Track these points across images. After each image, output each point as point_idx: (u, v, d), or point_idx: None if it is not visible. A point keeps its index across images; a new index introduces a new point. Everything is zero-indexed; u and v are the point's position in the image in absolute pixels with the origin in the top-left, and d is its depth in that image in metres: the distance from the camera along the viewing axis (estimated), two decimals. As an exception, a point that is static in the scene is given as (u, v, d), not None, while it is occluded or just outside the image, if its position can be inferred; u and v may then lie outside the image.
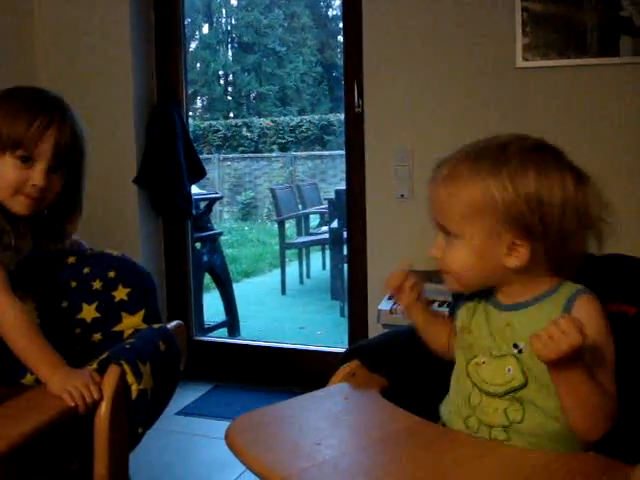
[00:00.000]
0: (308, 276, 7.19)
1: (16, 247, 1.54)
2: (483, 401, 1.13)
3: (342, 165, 3.17)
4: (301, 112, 15.84)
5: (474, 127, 2.78)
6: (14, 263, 1.55)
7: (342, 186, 3.49)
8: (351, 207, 3.15)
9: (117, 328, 1.60)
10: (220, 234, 4.83)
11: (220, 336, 4.35)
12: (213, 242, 4.54)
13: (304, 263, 7.12)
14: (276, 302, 6.37)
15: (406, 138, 2.94)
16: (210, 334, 4.23)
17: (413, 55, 2.89)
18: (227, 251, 5.68)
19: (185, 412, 3.08)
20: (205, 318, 4.29)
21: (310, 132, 13.70)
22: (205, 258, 4.39)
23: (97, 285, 1.60)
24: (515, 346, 1.10)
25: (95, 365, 1.38)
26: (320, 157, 12.56)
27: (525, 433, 1.09)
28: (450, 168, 1.11)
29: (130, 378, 1.36)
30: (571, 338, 0.95)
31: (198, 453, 2.74)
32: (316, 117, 14.22)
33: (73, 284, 1.61)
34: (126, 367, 1.36)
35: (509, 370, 1.10)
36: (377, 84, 2.97)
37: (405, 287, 1.25)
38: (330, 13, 18.52)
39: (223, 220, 11.75)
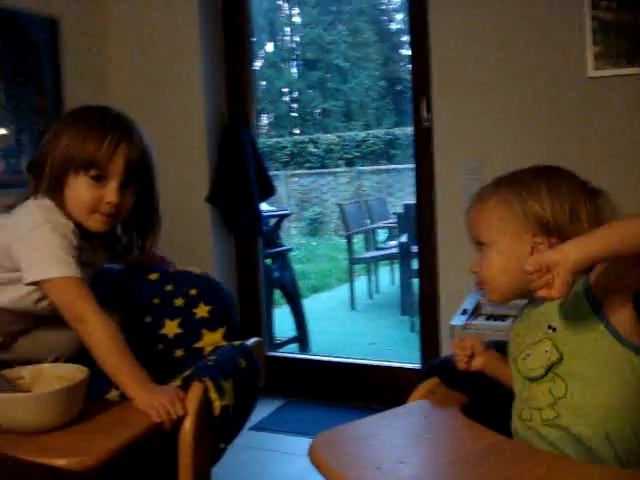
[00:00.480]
0: (377, 291, 7.17)
1: (92, 263, 1.59)
2: (532, 390, 1.20)
3: (409, 179, 3.18)
4: (366, 127, 15.88)
5: (544, 138, 2.75)
6: (92, 277, 1.61)
7: (409, 200, 3.50)
8: (421, 221, 3.14)
9: (198, 345, 1.64)
10: (290, 250, 4.88)
11: (291, 352, 4.38)
12: (283, 258, 4.59)
13: (373, 278, 7.10)
14: (345, 317, 6.37)
15: (476, 151, 2.92)
16: (281, 349, 4.26)
17: (481, 67, 2.88)
18: (296, 267, 5.72)
19: (258, 427, 3.10)
20: (276, 334, 4.33)
21: (376, 146, 13.71)
22: (276, 274, 4.44)
23: (179, 302, 1.65)
24: (549, 327, 1.19)
25: (179, 382, 1.42)
26: (386, 171, 12.56)
27: (571, 406, 1.15)
28: (479, 194, 1.31)
29: (213, 394, 1.39)
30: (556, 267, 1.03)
31: (271, 468, 2.76)
32: (381, 131, 14.24)
33: (156, 301, 1.66)
34: (209, 384, 1.39)
35: (546, 350, 1.18)
36: (445, 98, 2.96)
37: (476, 352, 1.37)
38: (393, 27, 18.55)
39: (291, 236, 11.84)
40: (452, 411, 1.24)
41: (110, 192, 1.53)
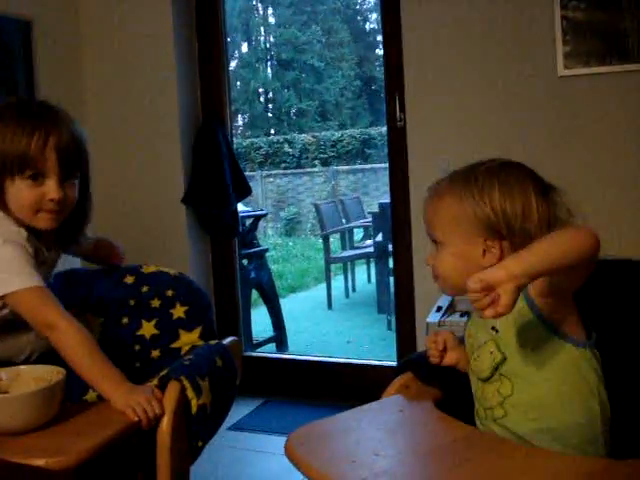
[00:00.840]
0: (354, 290, 7.20)
1: (47, 261, 1.58)
2: (484, 390, 1.24)
3: (384, 178, 3.21)
4: (341, 126, 15.91)
5: (518, 137, 2.79)
6: (51, 276, 1.60)
7: (385, 199, 3.51)
8: (395, 220, 3.17)
9: (175, 345, 1.65)
10: (266, 250, 4.89)
11: (269, 351, 4.39)
12: (260, 258, 4.60)
13: (349, 277, 7.13)
14: (322, 316, 6.39)
15: (448, 150, 2.94)
16: (259, 349, 4.27)
17: (453, 67, 2.91)
18: (272, 267, 5.73)
19: (237, 427, 3.11)
20: (254, 334, 4.34)
21: (351, 146, 13.75)
22: (252, 274, 4.45)
23: (155, 303, 1.66)
24: (493, 328, 1.23)
25: (156, 381, 1.43)
26: (362, 171, 12.60)
27: (517, 404, 1.20)
28: (434, 189, 1.32)
29: (190, 393, 1.41)
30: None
31: (250, 467, 2.77)
32: (357, 131, 14.27)
33: (132, 302, 1.67)
34: (186, 383, 1.41)
35: (491, 352, 1.22)
36: (418, 97, 2.99)
37: (449, 346, 1.38)
38: (367, 27, 18.60)
39: (267, 236, 11.84)
40: (426, 405, 1.27)
41: (50, 189, 1.47)
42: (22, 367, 1.45)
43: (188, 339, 1.65)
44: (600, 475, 1.01)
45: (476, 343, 1.27)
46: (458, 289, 1.27)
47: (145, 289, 1.68)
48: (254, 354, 3.88)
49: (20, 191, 1.48)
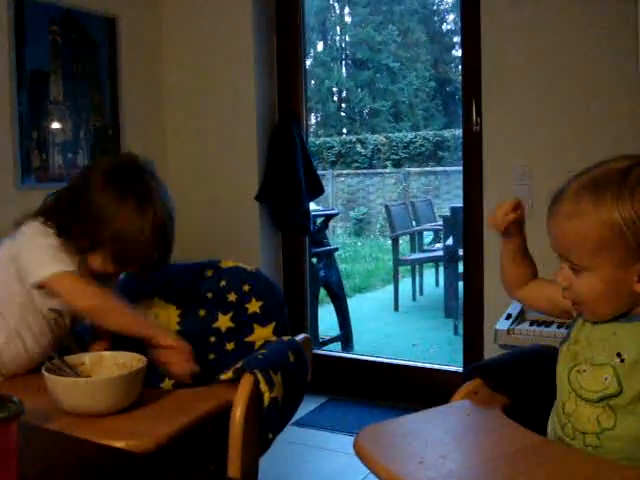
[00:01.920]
0: (421, 293, 7.18)
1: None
2: (578, 408, 1.17)
3: (456, 181, 3.19)
4: (414, 128, 15.81)
5: (596, 144, 2.74)
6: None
7: (456, 203, 3.50)
8: (468, 225, 3.16)
9: (249, 339, 1.69)
10: (336, 250, 4.93)
11: (334, 350, 4.42)
12: (329, 257, 4.64)
13: (417, 280, 7.11)
14: (389, 318, 6.39)
15: (525, 156, 2.92)
16: (324, 347, 4.31)
17: (532, 71, 2.88)
18: (341, 266, 5.76)
19: (300, 423, 3.15)
20: (320, 332, 4.38)
21: (424, 148, 13.66)
22: (321, 273, 4.49)
23: (232, 297, 1.71)
24: (618, 355, 1.12)
25: (231, 373, 1.47)
26: (434, 173, 12.49)
27: (616, 439, 1.12)
28: (573, 203, 1.12)
29: (263, 386, 1.45)
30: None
31: (311, 464, 2.81)
32: (430, 133, 14.16)
33: (209, 295, 1.72)
34: (259, 376, 1.45)
35: (605, 378, 1.12)
36: (496, 102, 2.97)
37: (508, 211, 1.31)
38: (444, 28, 18.43)
39: (337, 235, 11.88)
40: (494, 411, 1.27)
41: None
42: (105, 352, 1.52)
43: (262, 334, 1.69)
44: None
45: (586, 355, 1.17)
46: (604, 315, 1.16)
47: (223, 283, 1.73)
48: (320, 352, 3.91)
49: (106, 263, 1.60)
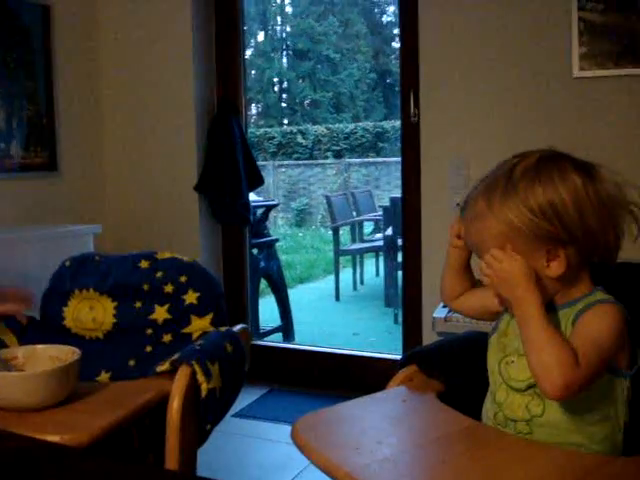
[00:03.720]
0: (362, 283, 7.23)
1: None
2: (509, 397, 1.21)
3: (396, 172, 3.23)
4: (355, 119, 15.87)
5: (530, 136, 2.80)
6: None
7: (396, 193, 3.54)
8: (406, 215, 3.20)
9: (186, 330, 1.69)
10: (276, 240, 4.92)
11: (275, 340, 4.43)
12: (269, 248, 4.63)
13: (358, 270, 7.16)
14: (330, 308, 6.43)
15: (462, 147, 2.97)
16: (265, 338, 4.31)
17: (469, 65, 2.93)
18: (282, 257, 5.76)
19: (241, 414, 3.14)
20: (261, 323, 4.38)
21: (364, 139, 13.73)
22: (262, 264, 4.48)
23: (169, 289, 1.70)
24: None
25: (167, 365, 1.47)
26: (374, 164, 12.58)
27: (546, 426, 1.17)
28: (472, 207, 1.21)
29: (200, 377, 1.44)
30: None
31: (253, 455, 2.81)
32: (370, 124, 14.24)
33: (146, 287, 1.70)
34: (196, 367, 1.44)
35: None
36: (433, 93, 3.01)
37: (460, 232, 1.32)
38: (384, 19, 18.53)
39: (278, 226, 11.86)
40: (428, 397, 1.30)
41: None
42: (38, 346, 1.49)
43: (199, 325, 1.68)
44: (599, 469, 1.04)
45: (514, 346, 1.21)
46: None
47: (159, 274, 1.72)
48: (261, 343, 3.91)
49: None
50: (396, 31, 16.33)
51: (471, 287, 1.37)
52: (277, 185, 12.69)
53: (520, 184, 1.15)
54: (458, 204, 2.96)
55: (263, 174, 3.76)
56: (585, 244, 1.15)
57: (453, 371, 1.41)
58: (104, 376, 1.59)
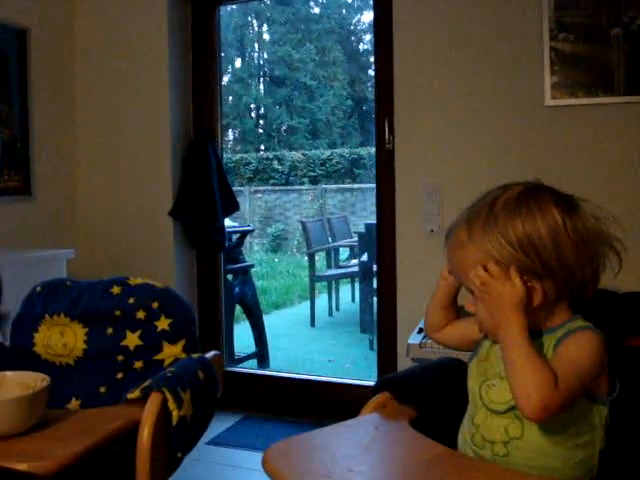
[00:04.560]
0: (337, 309, 7.23)
1: None
2: (487, 419, 1.22)
3: (372, 198, 3.24)
4: (331, 145, 15.97)
5: (503, 164, 2.84)
6: None
7: (372, 219, 3.54)
8: (381, 241, 3.21)
9: (158, 357, 1.67)
10: (251, 266, 4.91)
11: (250, 367, 4.40)
12: (245, 274, 4.62)
13: (333, 296, 7.16)
14: (305, 334, 6.40)
15: (436, 174, 2.99)
16: (240, 365, 4.28)
17: (444, 92, 2.96)
18: (257, 283, 5.75)
19: (215, 442, 3.11)
20: (236, 349, 4.35)
21: (340, 165, 13.81)
22: (237, 290, 4.47)
23: (140, 315, 1.68)
24: None
25: (138, 392, 1.45)
26: (350, 190, 12.65)
27: (523, 449, 1.17)
28: (454, 236, 1.24)
29: (171, 405, 1.43)
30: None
31: (227, 482, 2.78)
32: (346, 150, 14.34)
33: (117, 313, 1.69)
34: (167, 394, 1.43)
35: None
36: (408, 121, 3.04)
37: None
38: (361, 47, 18.74)
39: (253, 252, 11.85)
40: (401, 424, 1.29)
41: None
42: (7, 373, 1.46)
43: (171, 352, 1.67)
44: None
45: (493, 370, 1.23)
46: None
47: (131, 300, 1.70)
48: (235, 369, 3.88)
49: None
50: (372, 59, 16.53)
51: (454, 320, 1.39)
52: (253, 210, 12.70)
53: (500, 216, 1.17)
54: (432, 230, 3.00)
55: (239, 199, 3.76)
56: (562, 278, 1.16)
57: (426, 397, 1.41)
58: (74, 403, 1.57)
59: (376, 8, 3.18)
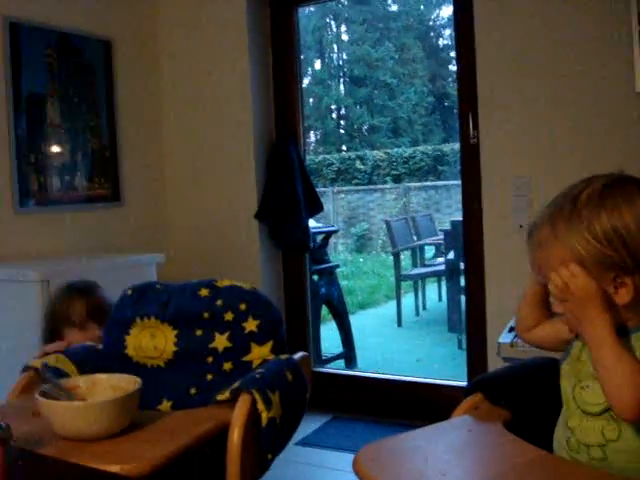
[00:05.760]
0: (424, 308, 7.14)
1: None
2: (583, 422, 1.17)
3: (457, 195, 3.18)
4: (414, 143, 15.84)
5: (593, 155, 2.74)
6: None
7: (457, 217, 3.49)
8: (468, 238, 3.15)
9: (247, 358, 1.68)
10: (337, 266, 4.91)
11: (337, 367, 4.39)
12: (330, 274, 4.62)
13: (420, 295, 7.08)
14: (392, 334, 6.36)
15: (523, 168, 2.91)
16: (328, 365, 4.28)
17: (529, 83, 2.88)
18: (343, 283, 5.74)
19: (304, 442, 3.12)
20: (323, 349, 4.36)
21: (423, 163, 13.68)
22: (323, 290, 4.47)
23: (229, 316, 1.69)
24: None
25: (228, 394, 1.45)
26: (434, 187, 12.51)
27: (622, 451, 1.13)
28: (537, 234, 1.20)
29: (260, 406, 1.43)
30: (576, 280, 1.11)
31: (317, 484, 2.78)
32: (429, 147, 14.19)
33: (206, 315, 1.70)
34: (257, 395, 1.43)
35: None
36: (492, 114, 2.97)
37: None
38: (441, 43, 18.53)
39: (338, 252, 11.87)
40: (495, 426, 1.25)
41: None
42: (99, 375, 1.50)
43: (260, 353, 1.67)
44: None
45: (586, 371, 1.18)
46: None
47: (219, 302, 1.71)
48: (323, 370, 3.89)
49: None
50: (452, 54, 16.30)
51: (546, 319, 1.34)
52: (337, 211, 12.72)
53: (584, 210, 1.14)
54: (521, 226, 2.92)
55: (322, 200, 3.76)
56: None
57: (520, 399, 1.36)
58: (165, 405, 1.59)
59: (456, 2, 3.13)
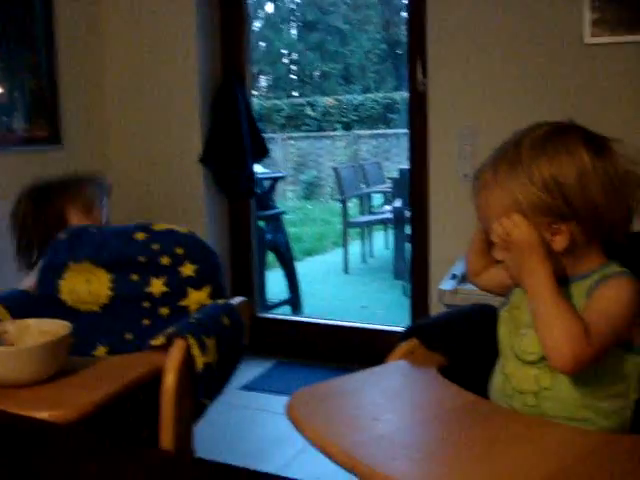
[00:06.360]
0: (371, 255, 7.20)
1: None
2: (519, 369, 1.19)
3: (406, 144, 3.16)
4: (365, 90, 15.74)
5: (540, 105, 2.75)
6: None
7: (406, 165, 3.47)
8: (414, 187, 3.15)
9: (183, 303, 1.65)
10: (283, 213, 4.89)
11: (283, 313, 4.41)
12: (276, 221, 4.60)
13: (367, 242, 7.12)
14: (338, 281, 6.40)
15: (470, 117, 2.91)
16: (273, 311, 4.29)
17: (477, 33, 2.86)
18: (290, 230, 5.73)
19: (248, 387, 3.14)
20: (268, 296, 4.36)
21: (374, 110, 13.63)
22: (269, 236, 4.45)
23: (165, 261, 1.66)
24: None
25: (162, 339, 1.43)
26: (384, 136, 12.49)
27: (554, 399, 1.15)
28: (480, 177, 1.21)
29: (196, 351, 1.41)
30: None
31: (259, 427, 2.80)
32: (380, 95, 14.13)
33: (142, 259, 1.67)
34: (192, 341, 1.41)
35: None
36: (441, 62, 2.94)
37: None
38: (394, -11, 18.32)
39: (287, 199, 11.83)
40: (429, 371, 1.26)
41: None
42: (30, 320, 1.45)
43: (197, 298, 1.65)
44: (606, 446, 0.99)
45: (526, 319, 1.19)
46: None
47: (155, 246, 1.67)
48: (268, 316, 3.89)
49: None
50: (406, 0, 16.13)
51: (493, 264, 1.35)
52: (286, 157, 12.64)
53: (525, 155, 1.14)
54: (466, 175, 2.92)
55: (271, 146, 3.72)
56: (589, 221, 1.13)
57: (456, 344, 1.37)
58: (101, 350, 1.56)
59: (408, -56, 3.06)
